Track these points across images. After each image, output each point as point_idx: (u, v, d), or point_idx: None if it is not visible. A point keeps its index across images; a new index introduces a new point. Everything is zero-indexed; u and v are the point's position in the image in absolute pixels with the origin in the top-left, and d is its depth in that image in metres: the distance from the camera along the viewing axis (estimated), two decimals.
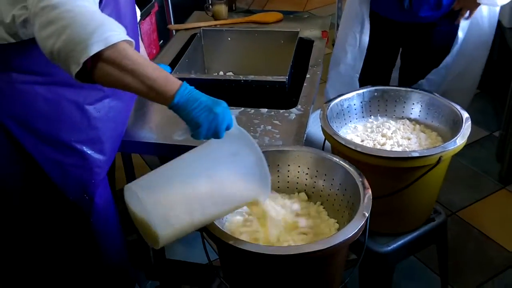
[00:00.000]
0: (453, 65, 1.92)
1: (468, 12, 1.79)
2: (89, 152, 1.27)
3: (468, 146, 2.40)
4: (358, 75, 2.00)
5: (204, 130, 0.98)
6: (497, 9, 1.94)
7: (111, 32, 0.94)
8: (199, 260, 1.86)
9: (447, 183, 2.17)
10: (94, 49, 0.91)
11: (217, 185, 0.99)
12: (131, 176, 1.64)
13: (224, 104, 1.01)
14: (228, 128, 1.01)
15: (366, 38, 1.92)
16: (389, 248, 1.40)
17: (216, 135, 0.99)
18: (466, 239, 2.01)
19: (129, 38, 0.97)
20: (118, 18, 1.10)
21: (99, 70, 0.95)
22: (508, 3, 2.17)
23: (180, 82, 0.98)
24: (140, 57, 0.97)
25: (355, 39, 1.94)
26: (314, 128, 1.79)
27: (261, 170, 1.02)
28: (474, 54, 1.95)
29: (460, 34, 1.86)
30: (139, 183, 0.99)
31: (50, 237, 1.39)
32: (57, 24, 0.93)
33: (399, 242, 1.41)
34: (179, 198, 0.96)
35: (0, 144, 1.20)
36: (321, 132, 1.40)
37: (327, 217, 1.19)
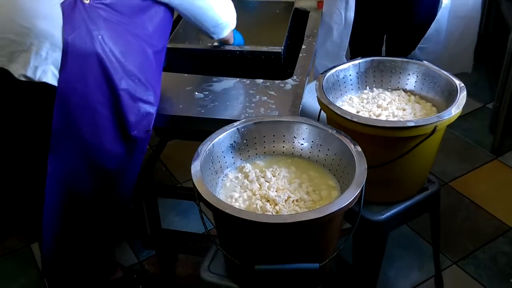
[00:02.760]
0: (449, 29, 1.91)
1: None
2: (157, 90, 1.36)
3: (461, 117, 2.40)
4: (345, 52, 2.00)
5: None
6: None
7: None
8: (194, 230, 1.89)
9: (440, 154, 2.18)
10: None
11: None
12: None
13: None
14: None
15: (351, 14, 1.90)
16: (383, 216, 1.42)
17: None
18: (458, 208, 2.05)
19: None
20: None
21: None
22: None
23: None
24: None
25: (340, 16, 1.92)
26: (309, 99, 1.80)
27: None
28: (466, 14, 1.94)
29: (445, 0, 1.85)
30: None
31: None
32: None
33: (393, 211, 1.43)
34: None
35: (95, 74, 1.21)
36: (316, 103, 1.40)
37: (327, 176, 1.22)
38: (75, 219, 1.43)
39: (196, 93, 1.49)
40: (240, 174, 1.23)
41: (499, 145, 2.30)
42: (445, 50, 1.95)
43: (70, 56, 1.18)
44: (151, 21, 1.32)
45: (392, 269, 1.83)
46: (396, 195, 1.44)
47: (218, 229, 1.16)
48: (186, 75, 1.58)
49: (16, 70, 1.19)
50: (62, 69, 1.18)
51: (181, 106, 1.44)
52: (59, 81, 1.19)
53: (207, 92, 1.49)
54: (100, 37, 1.19)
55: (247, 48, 1.64)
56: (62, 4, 1.17)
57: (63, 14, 1.17)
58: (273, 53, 1.62)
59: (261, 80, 1.53)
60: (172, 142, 2.06)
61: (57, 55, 1.18)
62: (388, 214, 1.43)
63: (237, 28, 1.84)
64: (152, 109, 1.33)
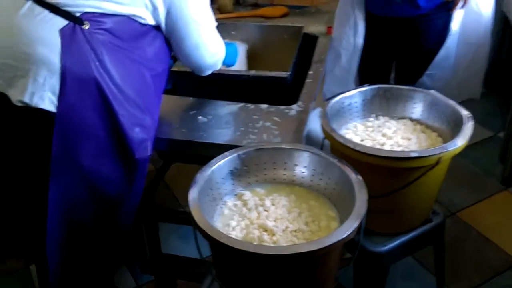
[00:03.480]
0: (456, 56, 1.89)
1: (462, 1, 1.77)
2: (155, 115, 1.36)
3: (471, 146, 2.41)
4: (354, 78, 1.99)
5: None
6: None
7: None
8: (195, 255, 1.85)
9: (449, 182, 2.16)
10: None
11: None
12: None
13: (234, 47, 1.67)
14: None
15: (360, 40, 1.90)
16: (385, 248, 1.39)
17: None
18: (464, 240, 2.01)
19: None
20: None
21: None
22: None
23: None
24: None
25: (349, 42, 1.92)
26: (316, 125, 1.78)
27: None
28: (476, 41, 1.92)
29: (454, 26, 1.84)
30: None
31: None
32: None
33: (396, 242, 1.40)
34: None
35: (94, 100, 1.22)
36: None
37: (327, 206, 1.19)
38: (77, 244, 1.42)
39: (200, 117, 1.48)
40: (239, 201, 1.22)
41: (509, 176, 2.26)
42: (454, 77, 1.93)
43: (69, 82, 1.18)
44: (151, 45, 1.32)
45: None
46: (399, 226, 1.41)
47: (214, 258, 1.14)
48: (191, 98, 1.58)
49: (14, 95, 1.19)
50: (61, 95, 1.18)
51: (183, 130, 1.44)
52: (58, 106, 1.19)
53: (211, 117, 1.49)
54: (97, 63, 1.19)
55: (253, 73, 1.64)
56: (61, 30, 1.18)
57: (61, 40, 1.18)
58: (279, 79, 1.62)
59: (266, 106, 1.53)
60: (177, 164, 2.06)
61: (55, 81, 1.18)
62: (391, 245, 1.40)
63: (248, 51, 1.85)
64: (146, 135, 1.32)
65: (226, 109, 1.53)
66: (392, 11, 1.81)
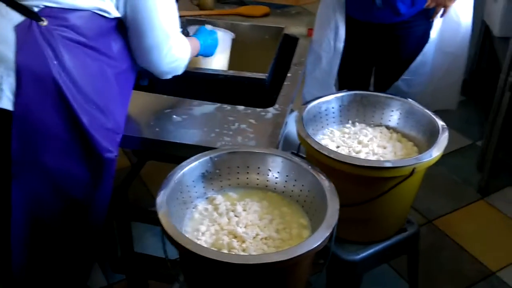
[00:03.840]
0: (432, 64, 1.89)
1: (442, 9, 1.76)
2: (118, 116, 1.31)
3: (449, 154, 2.42)
4: (333, 81, 1.97)
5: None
6: (471, 3, 1.90)
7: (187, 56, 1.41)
8: (170, 254, 1.82)
9: (426, 190, 2.17)
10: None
11: None
12: None
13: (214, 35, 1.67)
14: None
15: (340, 44, 1.88)
16: (358, 256, 1.37)
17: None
18: (440, 248, 2.00)
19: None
20: None
21: None
22: (498, 12, 2.15)
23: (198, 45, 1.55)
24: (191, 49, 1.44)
25: (329, 45, 1.90)
26: (294, 128, 1.76)
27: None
28: (453, 51, 1.92)
29: (433, 34, 1.83)
30: None
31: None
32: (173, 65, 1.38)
33: (369, 251, 1.38)
34: None
35: (52, 99, 1.17)
36: None
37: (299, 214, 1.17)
38: (45, 243, 1.38)
39: (174, 116, 1.45)
40: (210, 205, 1.19)
41: (486, 185, 2.26)
42: (430, 84, 1.93)
43: (25, 81, 1.14)
44: (116, 41, 1.28)
45: None
46: (373, 235, 1.39)
47: (182, 264, 1.11)
48: (166, 97, 1.55)
49: None
50: (17, 94, 1.14)
51: (157, 129, 1.40)
52: (15, 106, 1.14)
53: (185, 116, 1.46)
54: (55, 61, 1.15)
55: (231, 73, 1.61)
56: (16, 27, 1.14)
57: (16, 38, 1.13)
58: (257, 80, 1.59)
59: (243, 107, 1.50)
60: (151, 162, 2.02)
61: (12, 79, 1.14)
62: (364, 254, 1.38)
63: (232, 41, 1.82)
64: (111, 135, 1.28)
65: (202, 109, 1.49)
66: (373, 16, 1.79)
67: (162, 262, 1.74)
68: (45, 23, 1.15)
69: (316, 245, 0.98)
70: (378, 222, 1.37)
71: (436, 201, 2.20)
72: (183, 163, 1.17)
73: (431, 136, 1.34)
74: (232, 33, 1.80)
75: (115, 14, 1.25)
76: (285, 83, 1.63)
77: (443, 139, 1.29)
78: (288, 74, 1.68)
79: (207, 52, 1.63)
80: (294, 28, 1.97)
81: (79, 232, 1.40)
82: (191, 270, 1.08)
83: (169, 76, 1.42)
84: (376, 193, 1.25)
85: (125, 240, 1.68)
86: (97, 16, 1.22)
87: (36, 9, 1.15)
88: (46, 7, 1.15)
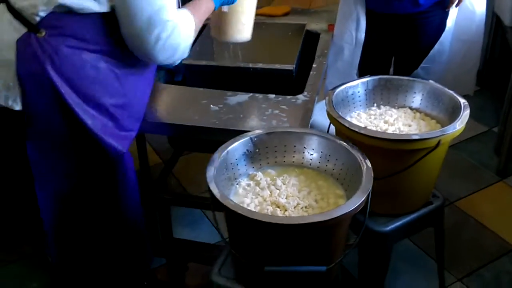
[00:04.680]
0: (449, 52, 1.98)
1: None
2: (123, 116, 1.37)
3: (467, 140, 2.52)
4: (356, 71, 2.08)
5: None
6: None
7: (188, 34, 1.30)
8: (204, 241, 1.94)
9: (446, 174, 2.25)
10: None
11: None
12: (144, 159, 1.72)
13: None
14: None
15: (362, 35, 1.99)
16: (388, 228, 1.46)
17: None
18: (462, 227, 2.09)
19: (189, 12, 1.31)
20: None
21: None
22: (508, 2, 2.24)
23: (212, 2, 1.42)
24: (198, 14, 1.34)
25: (351, 36, 2.01)
26: (319, 117, 1.86)
27: None
28: (469, 38, 2.02)
29: (449, 22, 1.93)
30: None
31: (76, 202, 1.46)
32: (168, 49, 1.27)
33: (398, 223, 1.47)
34: None
35: (48, 97, 1.28)
36: (326, 121, 1.47)
37: (334, 186, 1.27)
38: (79, 240, 1.50)
39: (212, 106, 1.56)
40: (251, 182, 1.29)
41: (504, 167, 2.35)
42: (448, 72, 2.02)
43: (28, 88, 1.25)
44: (122, 41, 1.29)
45: (397, 284, 1.86)
46: (401, 207, 1.49)
47: (230, 231, 1.22)
48: (201, 89, 1.66)
49: None
50: (24, 99, 1.27)
51: (196, 117, 1.51)
52: (25, 111, 1.28)
53: (221, 106, 1.57)
54: (54, 69, 1.24)
55: (260, 65, 1.72)
56: (17, 41, 1.25)
57: (17, 50, 1.24)
58: (285, 71, 1.70)
59: (273, 95, 1.61)
60: (184, 157, 2.14)
61: (18, 87, 1.26)
62: (393, 226, 1.47)
63: (252, 45, 1.93)
64: (116, 134, 1.36)
65: (236, 98, 1.60)
66: (392, 8, 1.90)
67: (201, 246, 1.86)
68: (43, 34, 1.24)
69: (353, 208, 1.08)
70: (406, 195, 1.46)
71: (456, 184, 2.29)
72: (227, 143, 1.28)
73: (453, 113, 1.43)
74: None
75: (102, 9, 1.25)
76: (311, 73, 1.75)
77: (466, 114, 1.38)
78: (314, 65, 1.79)
79: (227, 2, 1.50)
80: (315, 25, 2.08)
81: (115, 225, 1.50)
82: (239, 236, 1.19)
83: (176, 62, 1.35)
84: (404, 165, 1.35)
85: (166, 226, 1.79)
86: (96, 17, 1.25)
87: (37, 19, 1.24)
88: (46, 16, 1.23)
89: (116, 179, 1.42)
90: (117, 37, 1.28)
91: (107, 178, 1.41)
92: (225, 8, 1.58)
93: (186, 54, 1.33)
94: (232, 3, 1.52)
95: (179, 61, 1.34)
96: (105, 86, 1.32)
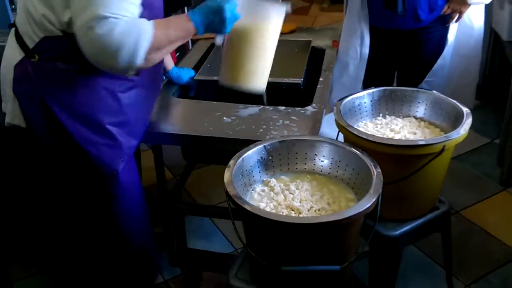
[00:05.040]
0: (450, 66, 2.06)
1: (457, 14, 1.95)
2: (119, 133, 1.42)
3: (470, 152, 2.58)
4: (360, 85, 2.16)
5: (227, 26, 1.34)
6: (482, 8, 2.08)
7: (144, 36, 1.20)
8: (223, 248, 2.01)
9: (451, 185, 2.31)
10: (140, 60, 1.20)
11: None
12: (161, 173, 1.78)
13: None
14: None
15: (366, 50, 2.07)
16: (397, 232, 1.51)
17: (235, 18, 1.35)
18: (469, 235, 2.13)
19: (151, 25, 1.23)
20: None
21: (148, 61, 1.24)
22: (506, 18, 2.33)
23: (189, 21, 1.30)
24: (162, 31, 1.25)
25: (356, 52, 2.09)
26: (326, 129, 1.93)
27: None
28: (468, 53, 2.10)
29: (451, 37, 2.02)
30: None
31: (78, 216, 1.53)
32: (105, 50, 1.17)
33: (407, 227, 1.53)
34: None
35: (42, 119, 1.36)
36: (332, 133, 1.54)
37: (346, 190, 1.33)
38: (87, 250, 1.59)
39: (225, 118, 1.63)
40: (266, 187, 1.35)
41: (507, 177, 2.40)
42: (447, 86, 2.10)
43: (25, 106, 1.36)
44: None
45: None
46: (409, 212, 1.54)
47: (247, 234, 1.27)
48: (214, 102, 1.73)
49: (6, 119, 1.41)
50: (24, 115, 1.37)
51: (211, 128, 1.58)
52: (28, 128, 1.38)
53: (234, 117, 1.64)
54: (46, 90, 1.33)
55: (270, 79, 1.79)
56: (15, 66, 1.35)
57: (14, 73, 1.35)
58: (293, 84, 1.78)
59: (283, 107, 1.68)
60: (196, 171, 2.20)
61: (17, 105, 1.37)
62: (402, 230, 1.52)
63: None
64: (110, 150, 1.42)
65: (248, 111, 1.67)
66: (395, 24, 1.99)
67: (215, 255, 1.91)
68: (36, 58, 1.32)
69: (366, 207, 1.14)
70: (413, 200, 1.52)
71: (461, 194, 2.34)
72: (241, 151, 1.34)
73: (456, 121, 1.50)
74: (288, 5, 1.46)
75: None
76: (318, 86, 1.82)
77: (469, 121, 1.45)
78: (320, 79, 1.87)
79: (214, 29, 1.34)
80: (320, 41, 2.17)
81: (115, 240, 1.57)
82: (257, 237, 1.24)
83: (115, 66, 1.20)
84: (411, 171, 1.41)
85: (180, 236, 1.84)
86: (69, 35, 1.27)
87: (32, 45, 1.32)
88: (39, 41, 1.31)
89: (110, 196, 1.48)
90: None
91: (102, 195, 1.48)
92: (218, 40, 1.38)
93: (133, 61, 1.19)
94: (223, 32, 1.35)
95: (121, 66, 1.20)
96: (100, 104, 1.38)
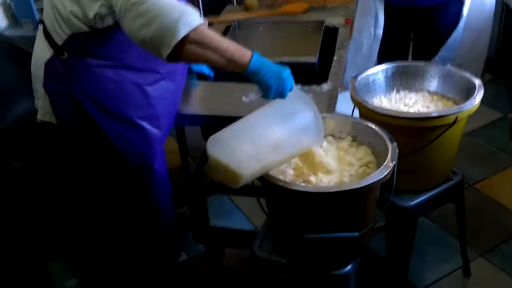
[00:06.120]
0: (462, 40, 2.10)
1: None
2: (147, 126, 1.48)
3: (482, 127, 2.62)
4: (373, 65, 2.19)
5: (273, 91, 1.23)
6: None
7: (192, 17, 1.16)
8: (244, 225, 2.09)
9: (464, 159, 2.35)
10: (182, 33, 1.14)
11: (281, 137, 1.19)
12: (185, 154, 1.84)
13: (288, 70, 1.24)
14: (290, 89, 1.24)
15: (380, 31, 2.11)
16: (412, 203, 1.57)
17: (282, 95, 1.24)
18: (482, 207, 2.18)
19: (204, 21, 1.19)
20: None
21: (186, 50, 1.17)
22: None
23: (250, 52, 1.20)
24: (216, 35, 1.19)
25: (369, 32, 2.13)
26: (341, 107, 1.98)
27: (317, 123, 1.22)
28: (479, 27, 2.13)
29: (465, 11, 2.05)
30: (221, 135, 1.18)
31: (112, 204, 1.61)
32: (146, 16, 1.15)
33: (421, 198, 1.58)
34: (251, 148, 1.16)
35: (74, 115, 1.42)
36: (347, 110, 1.59)
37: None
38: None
39: (244, 98, 1.69)
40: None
41: None
42: (454, 60, 2.13)
43: (55, 102, 1.41)
44: (143, 52, 1.26)
45: (422, 262, 1.96)
46: (423, 183, 1.60)
47: (270, 205, 1.33)
48: (232, 84, 1.78)
49: (38, 116, 1.46)
50: (54, 112, 1.43)
51: (230, 108, 1.64)
52: (59, 125, 1.44)
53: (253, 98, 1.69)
54: (75, 86, 1.37)
55: (286, 59, 1.84)
56: (45, 63, 1.39)
57: (44, 70, 1.39)
58: (308, 63, 1.83)
59: (299, 85, 1.73)
60: None
61: (48, 102, 1.43)
62: (417, 201, 1.58)
63: (276, 41, 2.04)
64: (140, 144, 1.48)
65: None
66: (413, 2, 2.02)
67: (236, 232, 1.98)
68: (65, 56, 1.36)
69: (382, 176, 1.19)
70: (427, 171, 1.57)
71: (474, 168, 2.38)
72: None
73: (469, 93, 1.54)
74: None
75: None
76: (333, 64, 1.87)
77: (481, 93, 1.49)
78: (334, 57, 1.91)
79: (268, 84, 1.22)
80: (333, 19, 2.20)
81: (148, 227, 1.66)
82: (279, 208, 1.31)
83: (167, 49, 1.16)
84: (425, 142, 1.46)
85: (203, 215, 1.92)
86: (113, 33, 1.33)
87: (60, 43, 1.35)
88: (68, 38, 1.34)
89: (142, 186, 1.55)
90: (138, 49, 1.27)
91: (134, 184, 1.54)
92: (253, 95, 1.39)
93: (173, 34, 1.14)
94: (276, 91, 1.22)
95: (162, 39, 1.15)
96: (129, 99, 1.41)
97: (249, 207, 2.19)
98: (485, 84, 2.09)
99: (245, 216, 2.22)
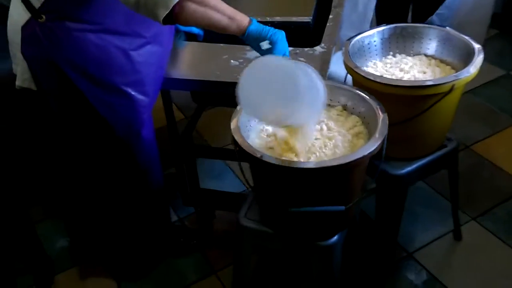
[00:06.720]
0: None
1: None
2: (133, 93, 1.43)
3: (484, 84, 2.54)
4: (369, 24, 2.10)
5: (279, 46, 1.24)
6: None
7: None
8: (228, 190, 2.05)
9: (463, 119, 2.30)
10: None
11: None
12: (170, 116, 1.80)
13: (282, 33, 1.26)
14: (284, 55, 1.25)
15: None
16: (404, 171, 1.54)
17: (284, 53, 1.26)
18: (478, 170, 2.15)
19: None
20: None
21: (186, 10, 1.14)
22: None
23: (246, 16, 1.22)
24: None
25: None
26: (335, 67, 1.91)
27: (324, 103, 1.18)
28: None
29: None
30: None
31: (98, 168, 1.58)
32: None
33: (413, 166, 1.55)
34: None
35: (55, 82, 1.37)
36: (342, 72, 1.52)
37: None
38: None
39: (232, 61, 1.62)
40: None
41: None
42: (456, 19, 2.03)
43: (33, 68, 1.35)
44: (127, 15, 1.28)
45: (413, 224, 1.95)
46: (416, 151, 1.56)
47: (255, 177, 1.31)
48: (221, 45, 1.71)
49: (17, 82, 1.40)
50: (34, 77, 1.37)
51: (218, 72, 1.58)
52: (39, 91, 1.38)
53: (241, 60, 1.62)
54: (55, 50, 1.30)
55: (278, 18, 1.76)
56: (22, 27, 1.31)
57: (22, 35, 1.31)
58: (302, 23, 1.74)
59: (291, 48, 1.65)
60: (207, 112, 2.21)
61: (26, 67, 1.36)
62: (409, 169, 1.55)
63: (268, 2, 1.94)
64: (124, 111, 1.43)
65: (255, 53, 1.65)
66: None
67: (226, 195, 1.97)
68: (43, 19, 1.28)
69: (370, 151, 1.16)
70: (421, 139, 1.53)
71: (473, 128, 2.33)
72: None
73: (468, 58, 1.47)
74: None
75: None
76: (328, 24, 1.78)
77: (479, 59, 1.42)
78: (330, 16, 1.82)
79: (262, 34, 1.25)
80: None
81: (139, 195, 1.65)
82: (264, 181, 1.28)
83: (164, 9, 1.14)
84: (419, 111, 1.41)
85: (193, 177, 1.90)
86: None
87: (38, 4, 1.27)
88: (46, 1, 1.26)
89: (133, 155, 1.52)
90: (122, 12, 1.26)
91: (122, 154, 1.51)
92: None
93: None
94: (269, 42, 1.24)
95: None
96: (113, 64, 1.36)
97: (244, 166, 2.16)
98: (489, 40, 2.00)
99: (237, 177, 2.20)
